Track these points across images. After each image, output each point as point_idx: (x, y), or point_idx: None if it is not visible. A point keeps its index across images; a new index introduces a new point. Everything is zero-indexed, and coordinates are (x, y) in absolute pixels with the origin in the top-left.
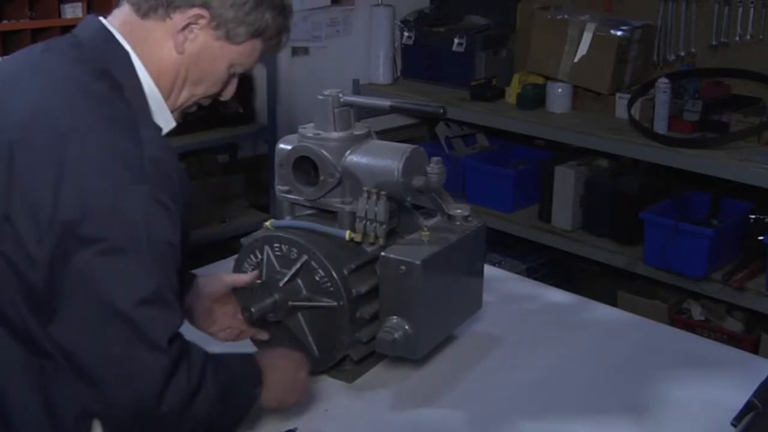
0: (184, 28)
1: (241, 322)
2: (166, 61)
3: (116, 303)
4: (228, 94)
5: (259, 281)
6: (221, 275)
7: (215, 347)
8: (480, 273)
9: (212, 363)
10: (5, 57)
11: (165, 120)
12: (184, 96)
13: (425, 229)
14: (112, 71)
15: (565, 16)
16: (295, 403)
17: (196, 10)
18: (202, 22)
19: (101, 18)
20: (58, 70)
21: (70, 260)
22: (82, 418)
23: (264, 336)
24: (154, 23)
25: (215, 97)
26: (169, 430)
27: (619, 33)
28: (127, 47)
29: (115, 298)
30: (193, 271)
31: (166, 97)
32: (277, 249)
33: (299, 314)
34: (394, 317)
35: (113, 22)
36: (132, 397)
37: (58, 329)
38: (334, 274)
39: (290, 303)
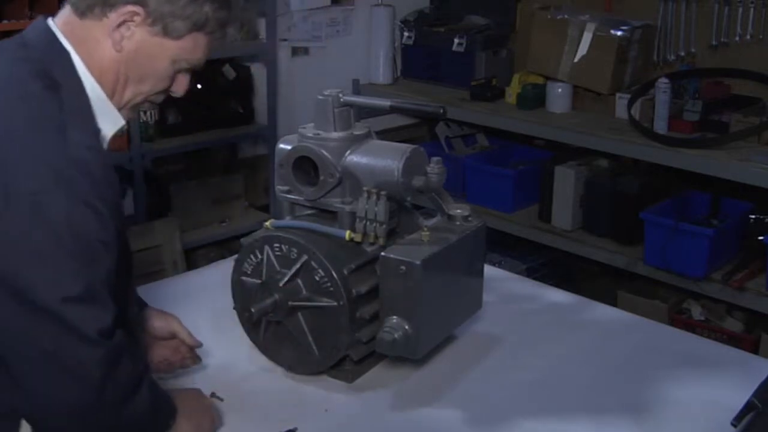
0: (119, 25)
1: (177, 354)
2: (106, 60)
3: (43, 301)
4: (179, 89)
5: (259, 281)
6: (171, 320)
7: None
8: (480, 273)
9: (148, 374)
10: None
11: (112, 119)
12: (129, 94)
13: (425, 229)
14: (53, 71)
15: (565, 16)
16: None
17: (130, 7)
18: (138, 18)
19: (49, 19)
20: (1, 71)
21: None
22: (9, 419)
23: (196, 362)
24: (92, 23)
25: (166, 94)
26: (106, 423)
27: (619, 33)
28: (68, 47)
29: (43, 297)
30: (145, 303)
31: (111, 96)
32: (277, 249)
33: (299, 314)
34: (394, 317)
35: (57, 23)
36: (68, 393)
37: None
38: (334, 274)
39: (290, 303)
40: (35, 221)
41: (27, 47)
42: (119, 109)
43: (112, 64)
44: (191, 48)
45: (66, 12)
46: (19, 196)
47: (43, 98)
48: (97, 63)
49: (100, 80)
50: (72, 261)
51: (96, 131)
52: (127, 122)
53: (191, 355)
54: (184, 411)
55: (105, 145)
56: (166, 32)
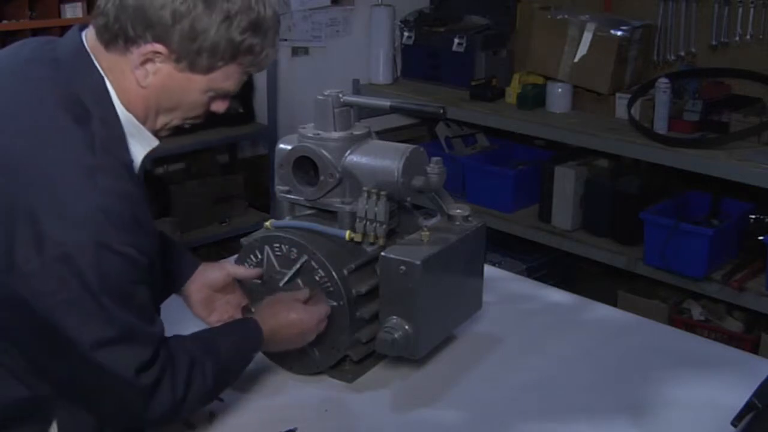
0: (143, 63)
1: (241, 312)
2: (133, 93)
3: (77, 349)
4: (219, 110)
5: (259, 281)
6: (225, 264)
7: None
8: (480, 273)
9: (199, 364)
10: None
11: (146, 141)
12: (162, 121)
13: (425, 229)
14: (85, 98)
15: (565, 16)
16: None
17: (151, 46)
18: (161, 56)
19: (83, 34)
20: (27, 94)
21: (27, 307)
22: (41, 421)
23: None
24: (117, 56)
25: (205, 114)
26: (171, 418)
27: (619, 33)
28: (101, 72)
29: (76, 345)
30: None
31: (143, 122)
32: (277, 249)
33: None
34: (394, 317)
35: (88, 41)
36: (118, 420)
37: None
38: (334, 274)
39: None
40: (65, 271)
41: (59, 64)
42: (155, 133)
43: (139, 98)
44: (222, 79)
45: (92, 35)
46: (50, 245)
47: (73, 135)
48: (125, 93)
49: (129, 109)
50: (103, 308)
51: (128, 164)
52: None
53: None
54: (272, 327)
55: (137, 169)
56: (193, 68)
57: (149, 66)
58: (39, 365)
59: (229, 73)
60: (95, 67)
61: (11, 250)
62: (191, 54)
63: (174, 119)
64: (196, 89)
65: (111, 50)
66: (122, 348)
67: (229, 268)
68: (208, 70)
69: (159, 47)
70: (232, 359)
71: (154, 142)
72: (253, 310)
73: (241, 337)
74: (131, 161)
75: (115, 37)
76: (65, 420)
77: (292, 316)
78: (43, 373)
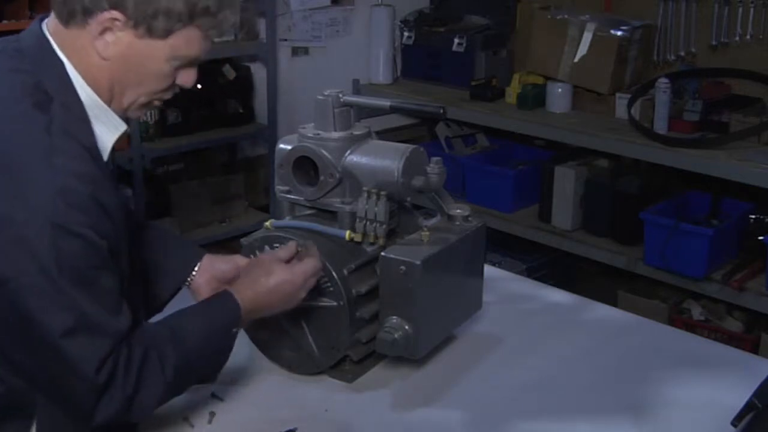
0: (102, 32)
1: None
2: (96, 68)
3: (46, 334)
4: (187, 83)
5: None
6: (234, 256)
7: None
8: (480, 273)
9: (154, 358)
10: None
11: (113, 125)
12: (129, 98)
13: (425, 229)
14: (46, 83)
15: (565, 16)
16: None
17: (108, 14)
18: (119, 24)
19: (44, 23)
20: None
21: None
22: (21, 417)
23: None
24: (77, 31)
25: (174, 90)
26: (140, 414)
27: (619, 33)
28: (62, 56)
29: (45, 330)
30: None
31: (109, 102)
32: (277, 249)
33: (299, 314)
34: (394, 317)
35: (49, 28)
36: (67, 413)
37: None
38: (334, 274)
39: None
40: (22, 253)
41: (22, 54)
42: (123, 112)
43: (102, 72)
44: (183, 44)
45: (53, 18)
46: (6, 226)
47: (31, 119)
48: (88, 71)
49: (94, 88)
50: (62, 293)
51: (90, 147)
52: (128, 123)
53: None
54: (251, 297)
55: (106, 155)
56: (152, 33)
57: (108, 36)
58: (6, 354)
59: (189, 37)
60: (55, 53)
61: None
62: (147, 18)
63: (141, 95)
64: (158, 57)
65: (71, 27)
66: (84, 338)
67: (239, 260)
68: (167, 33)
69: (116, 14)
70: (203, 344)
71: (122, 126)
72: None
73: (214, 319)
74: (94, 144)
75: (73, 12)
76: (45, 418)
77: (272, 281)
78: (11, 364)
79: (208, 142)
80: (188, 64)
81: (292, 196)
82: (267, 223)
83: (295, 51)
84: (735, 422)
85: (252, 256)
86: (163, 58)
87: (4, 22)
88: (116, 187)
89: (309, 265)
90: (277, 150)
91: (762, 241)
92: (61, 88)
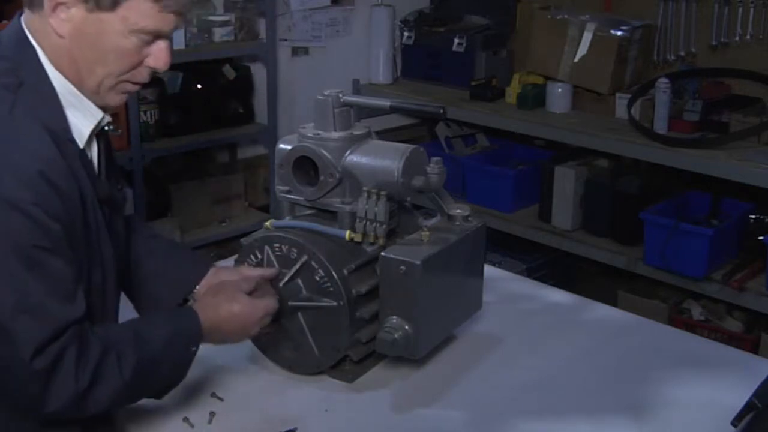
0: (53, 9)
1: None
2: (58, 49)
3: None
4: (158, 64)
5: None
6: (241, 268)
7: None
8: (480, 273)
9: (113, 355)
10: None
11: (89, 112)
12: (97, 77)
13: (425, 229)
14: (20, 71)
15: (565, 16)
16: (257, 332)
17: None
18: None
19: (22, 16)
20: None
21: None
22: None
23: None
24: (39, 13)
25: (146, 71)
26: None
27: (619, 33)
28: (34, 44)
29: None
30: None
31: (79, 85)
32: (277, 249)
33: (299, 314)
34: (394, 317)
35: (24, 18)
36: (23, 408)
37: None
38: (334, 274)
39: (290, 303)
40: None
41: (1, 45)
42: (96, 95)
43: (62, 52)
44: (137, 16)
45: (26, 10)
46: None
47: None
48: (54, 54)
49: (62, 71)
50: (8, 269)
51: (57, 130)
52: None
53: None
54: (211, 320)
55: (82, 143)
56: (99, 5)
57: (62, 13)
58: None
59: (141, 9)
60: (28, 40)
61: None
62: None
63: (107, 76)
64: (113, 31)
65: (34, 11)
66: (23, 319)
67: (244, 270)
68: (114, 4)
69: None
70: (163, 352)
71: (98, 114)
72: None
73: (177, 330)
74: (63, 129)
75: None
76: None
77: (235, 308)
78: None
79: (208, 142)
80: (151, 40)
81: (292, 196)
82: (267, 223)
83: (295, 51)
84: (735, 422)
85: (252, 256)
86: (119, 32)
87: (4, 22)
88: (87, 179)
89: (269, 303)
90: (277, 150)
91: (762, 241)
92: (33, 73)
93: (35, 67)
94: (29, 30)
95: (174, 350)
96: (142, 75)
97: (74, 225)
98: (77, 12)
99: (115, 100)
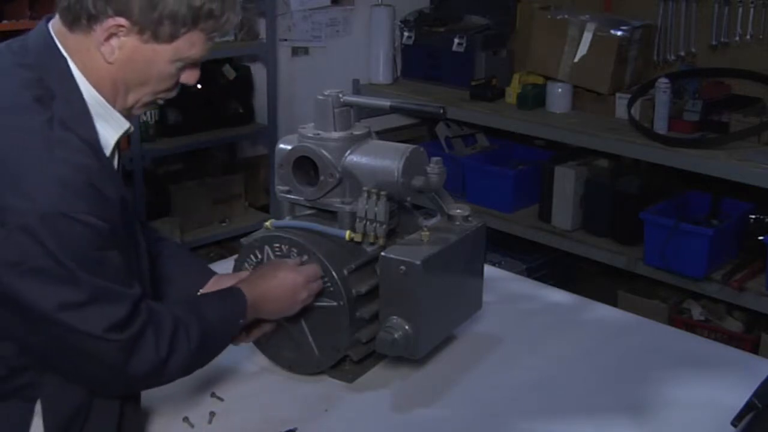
0: (107, 38)
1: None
2: (101, 71)
3: (41, 312)
4: (190, 81)
5: None
6: (240, 274)
7: None
8: (480, 273)
9: (183, 325)
10: None
11: (116, 123)
12: (133, 98)
13: (425, 229)
14: (49, 80)
15: (565, 16)
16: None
17: (114, 20)
18: (124, 30)
19: (50, 23)
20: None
21: None
22: (24, 399)
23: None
24: (81, 35)
25: (176, 89)
26: (155, 382)
27: (619, 33)
28: (66, 55)
29: (40, 308)
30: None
31: (112, 102)
32: (277, 249)
33: (299, 314)
34: (394, 317)
35: (53, 28)
36: (102, 381)
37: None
38: (334, 274)
39: None
40: (27, 241)
41: (26, 50)
42: (127, 111)
43: (106, 75)
44: (188, 46)
45: (57, 20)
46: (11, 216)
47: (33, 113)
48: (92, 73)
49: (98, 88)
50: (68, 273)
51: (92, 141)
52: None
53: None
54: (259, 295)
55: (108, 151)
56: (157, 37)
57: (114, 41)
58: (14, 336)
59: (193, 40)
60: (59, 50)
61: None
62: (153, 23)
63: (145, 95)
64: (162, 60)
65: (75, 31)
66: (92, 309)
67: (243, 276)
68: (172, 38)
69: (121, 20)
70: (217, 325)
71: (125, 124)
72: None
73: (225, 303)
74: (96, 140)
75: (78, 17)
76: (50, 399)
77: (279, 273)
78: (21, 346)
79: (208, 142)
80: (191, 64)
81: (292, 196)
82: (267, 223)
83: (295, 51)
84: (735, 422)
85: (252, 256)
86: (168, 61)
87: (4, 22)
88: (121, 183)
89: (312, 268)
90: (277, 150)
91: (762, 241)
92: (63, 84)
93: (64, 78)
94: (61, 42)
95: (227, 323)
96: (174, 92)
97: (118, 227)
98: (130, 41)
99: (140, 111)
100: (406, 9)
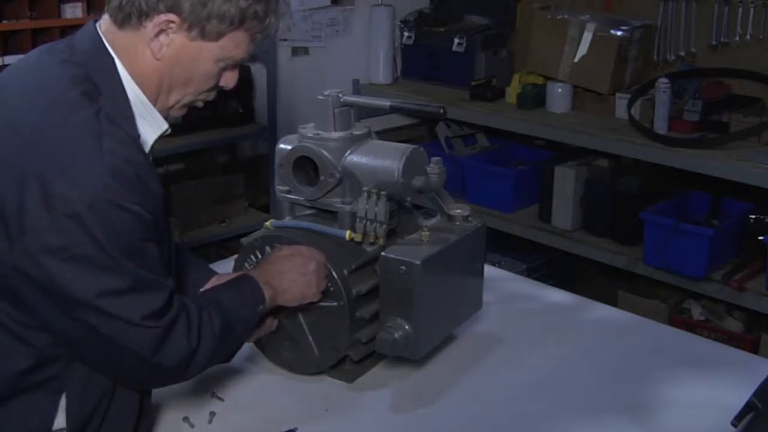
0: (157, 34)
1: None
2: (147, 68)
3: (80, 298)
4: (229, 83)
5: None
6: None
7: None
8: (480, 273)
9: (206, 315)
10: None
11: (156, 123)
12: (175, 97)
13: (425, 229)
14: (96, 77)
15: (565, 16)
16: (315, 296)
17: (165, 16)
18: (174, 26)
19: (97, 23)
20: (43, 77)
21: (37, 264)
22: (52, 391)
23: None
24: (131, 32)
25: (215, 90)
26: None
27: (619, 33)
28: (113, 54)
29: (79, 295)
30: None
31: (154, 101)
32: (277, 249)
33: (299, 314)
34: (394, 317)
35: (102, 28)
36: (133, 371)
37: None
38: (334, 274)
39: None
40: (74, 227)
41: (74, 50)
42: (167, 110)
43: (154, 72)
44: (232, 46)
45: (106, 20)
46: (59, 203)
47: (80, 105)
48: (139, 70)
49: (142, 87)
50: (112, 261)
51: (135, 137)
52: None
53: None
54: (275, 283)
55: (147, 149)
56: (204, 35)
57: (163, 38)
58: (49, 325)
59: (238, 40)
60: (107, 49)
61: (23, 213)
62: (201, 21)
63: (187, 95)
64: (207, 58)
65: (125, 29)
66: (131, 297)
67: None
68: (218, 36)
69: (172, 16)
70: (236, 313)
71: (164, 125)
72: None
73: (241, 292)
74: (138, 136)
75: (129, 15)
76: (74, 392)
77: (284, 251)
78: (54, 335)
79: (208, 142)
80: (233, 65)
81: (292, 196)
82: (267, 223)
83: (295, 51)
84: (735, 422)
85: (252, 256)
86: (212, 60)
87: (4, 22)
88: (158, 177)
89: (319, 252)
90: (277, 150)
91: (762, 241)
92: (109, 83)
93: (111, 77)
94: (109, 41)
95: (243, 311)
96: (213, 93)
97: (159, 220)
98: (178, 38)
99: (179, 113)
100: (406, 9)
